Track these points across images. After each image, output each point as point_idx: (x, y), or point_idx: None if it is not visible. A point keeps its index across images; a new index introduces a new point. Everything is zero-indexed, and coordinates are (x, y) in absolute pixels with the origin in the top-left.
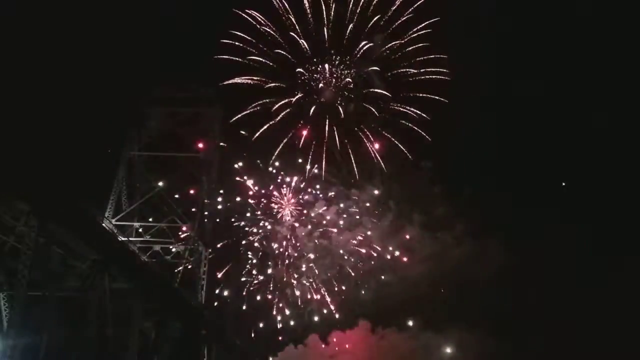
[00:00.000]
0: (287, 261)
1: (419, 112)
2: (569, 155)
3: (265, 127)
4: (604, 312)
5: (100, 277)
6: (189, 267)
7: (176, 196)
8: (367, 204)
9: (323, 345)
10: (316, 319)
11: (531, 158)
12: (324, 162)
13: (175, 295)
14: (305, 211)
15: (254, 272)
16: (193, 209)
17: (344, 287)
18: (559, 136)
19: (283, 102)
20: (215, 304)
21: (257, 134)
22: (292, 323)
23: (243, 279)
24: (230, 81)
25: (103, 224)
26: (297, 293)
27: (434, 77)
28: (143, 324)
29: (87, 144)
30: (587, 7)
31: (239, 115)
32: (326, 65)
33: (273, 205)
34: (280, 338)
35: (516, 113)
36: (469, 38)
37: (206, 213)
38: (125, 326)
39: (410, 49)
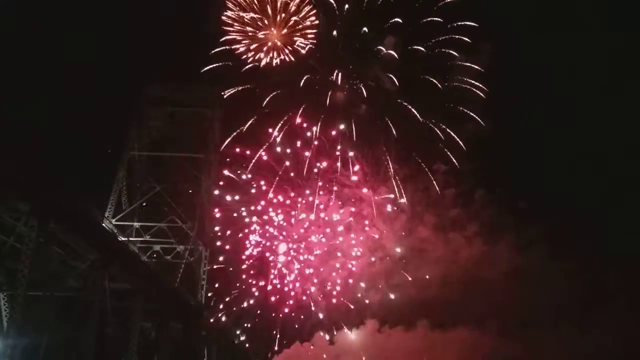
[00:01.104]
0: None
1: (449, 131)
2: (579, 158)
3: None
4: (612, 313)
5: (100, 277)
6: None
7: (176, 196)
8: (380, 206)
9: (329, 344)
10: (321, 316)
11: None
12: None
13: (175, 295)
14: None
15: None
16: (193, 209)
17: (352, 288)
18: (568, 140)
19: (284, 118)
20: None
21: (254, 159)
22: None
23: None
24: (231, 90)
25: (103, 224)
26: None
27: (462, 85)
28: (143, 324)
29: (87, 144)
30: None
31: (233, 134)
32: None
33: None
34: (284, 336)
35: (527, 117)
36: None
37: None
38: (125, 326)
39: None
